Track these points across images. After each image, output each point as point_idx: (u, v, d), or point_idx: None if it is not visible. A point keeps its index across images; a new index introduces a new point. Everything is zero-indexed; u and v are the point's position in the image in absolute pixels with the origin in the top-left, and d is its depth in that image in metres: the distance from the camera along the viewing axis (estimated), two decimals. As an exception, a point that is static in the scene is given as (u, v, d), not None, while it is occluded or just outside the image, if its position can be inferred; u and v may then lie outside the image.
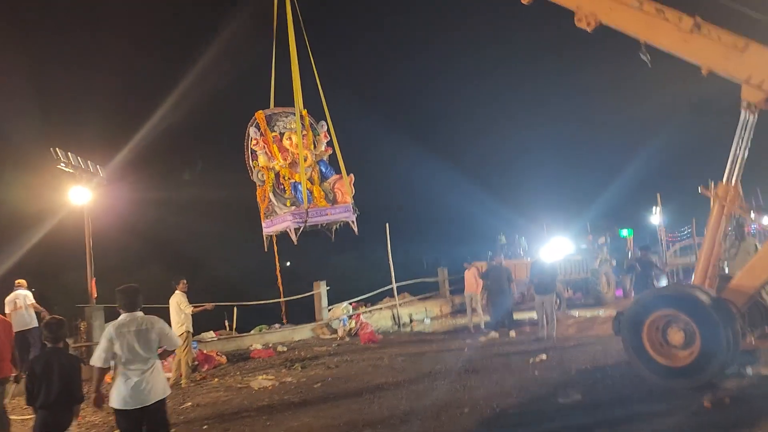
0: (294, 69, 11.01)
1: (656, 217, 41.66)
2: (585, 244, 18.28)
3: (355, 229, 11.51)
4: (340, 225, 11.48)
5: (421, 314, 18.50)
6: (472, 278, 14.73)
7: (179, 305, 9.76)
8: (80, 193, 11.14)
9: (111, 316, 11.85)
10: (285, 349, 12.83)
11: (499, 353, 10.30)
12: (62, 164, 10.68)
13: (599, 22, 7.63)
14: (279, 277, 12.59)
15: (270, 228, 11.31)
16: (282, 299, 14.86)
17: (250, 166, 11.33)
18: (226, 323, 14.34)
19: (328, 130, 11.67)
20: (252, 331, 14.39)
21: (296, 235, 10.77)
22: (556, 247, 16.94)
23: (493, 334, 13.02)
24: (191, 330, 10.00)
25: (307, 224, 10.74)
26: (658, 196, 24.70)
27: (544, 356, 9.01)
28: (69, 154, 10.88)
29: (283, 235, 11.26)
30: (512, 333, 12.97)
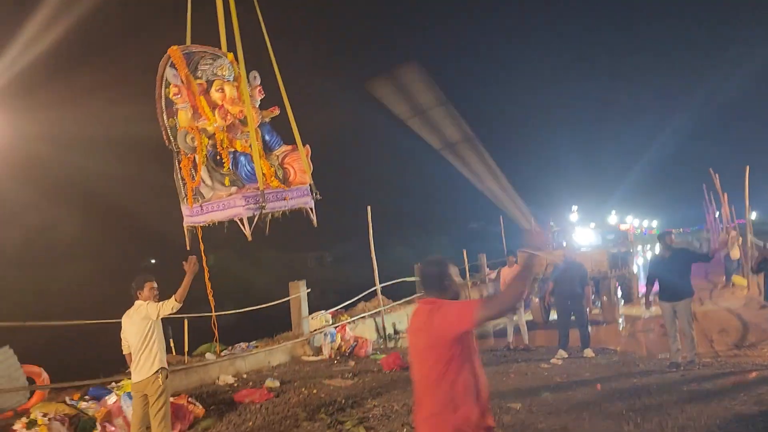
0: None
1: (574, 216, 41.78)
2: (613, 234, 15.87)
3: (314, 219, 7.82)
4: (286, 213, 7.72)
5: (404, 323, 14.82)
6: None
7: (150, 317, 5.31)
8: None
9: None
10: (277, 383, 8.51)
11: (661, 385, 6.77)
12: None
13: None
14: (209, 286, 8.38)
15: (199, 216, 7.34)
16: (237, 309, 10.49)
17: (164, 124, 7.23)
18: (172, 343, 9.66)
19: (276, 87, 7.78)
20: (206, 355, 9.86)
21: (251, 226, 7.06)
22: (583, 237, 14.08)
23: (562, 352, 9.64)
24: (166, 365, 5.55)
25: (264, 212, 7.09)
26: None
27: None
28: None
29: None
30: (589, 352, 9.65)
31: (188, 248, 7.83)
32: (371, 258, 13.68)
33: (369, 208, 13.79)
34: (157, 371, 5.25)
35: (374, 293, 14.12)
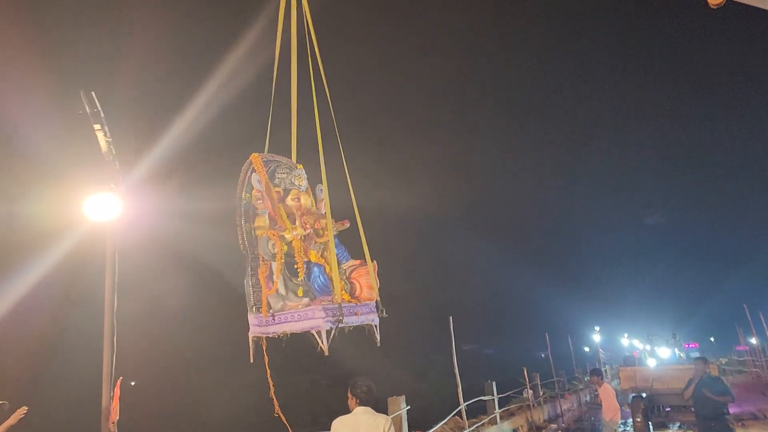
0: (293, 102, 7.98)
1: (597, 336, 40.86)
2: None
3: (378, 337, 7.44)
4: (344, 330, 7.22)
5: (483, 451, 13.53)
6: (614, 396, 10.31)
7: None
8: (104, 204, 5.62)
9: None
10: None
11: None
12: (96, 125, 5.23)
13: None
14: (277, 406, 7.62)
15: (270, 326, 6.99)
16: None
17: (242, 228, 7.18)
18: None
19: (351, 201, 7.89)
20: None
21: (328, 340, 6.70)
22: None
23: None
24: None
25: (339, 326, 6.84)
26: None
27: None
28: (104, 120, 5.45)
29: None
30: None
31: (251, 360, 7.17)
32: (455, 375, 12.78)
33: (451, 319, 13.05)
34: None
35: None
